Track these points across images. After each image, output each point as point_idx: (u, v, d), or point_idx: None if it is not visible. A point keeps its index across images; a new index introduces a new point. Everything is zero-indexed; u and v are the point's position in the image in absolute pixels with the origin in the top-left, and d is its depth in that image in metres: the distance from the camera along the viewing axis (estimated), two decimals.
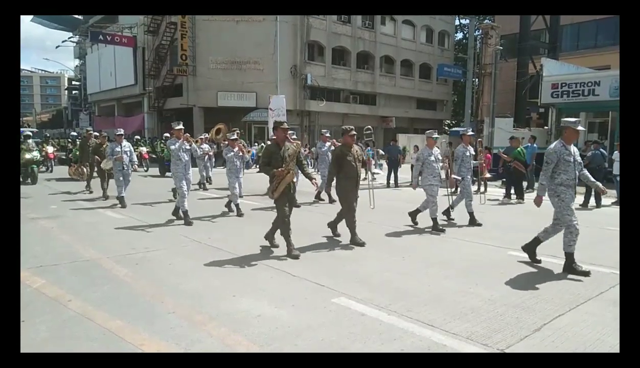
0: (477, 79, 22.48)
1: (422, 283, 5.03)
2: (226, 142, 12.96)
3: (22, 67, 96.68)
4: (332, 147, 9.74)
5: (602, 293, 4.75)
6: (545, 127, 21.42)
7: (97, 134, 15.55)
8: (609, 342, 3.57)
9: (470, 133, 9.27)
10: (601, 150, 12.08)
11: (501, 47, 21.20)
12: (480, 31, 23.52)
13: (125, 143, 10.58)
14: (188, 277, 5.19)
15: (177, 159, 8.40)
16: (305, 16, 29.27)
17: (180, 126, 8.49)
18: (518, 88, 24.33)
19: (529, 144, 14.47)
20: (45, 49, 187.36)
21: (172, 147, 8.26)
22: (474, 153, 9.27)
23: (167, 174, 16.60)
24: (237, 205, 9.37)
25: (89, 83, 43.46)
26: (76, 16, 44.56)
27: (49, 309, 4.19)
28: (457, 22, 40.81)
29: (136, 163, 11.38)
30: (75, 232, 7.59)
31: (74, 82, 55.70)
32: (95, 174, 12.52)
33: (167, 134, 18.84)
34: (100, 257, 5.96)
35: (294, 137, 13.21)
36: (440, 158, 8.42)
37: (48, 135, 25.98)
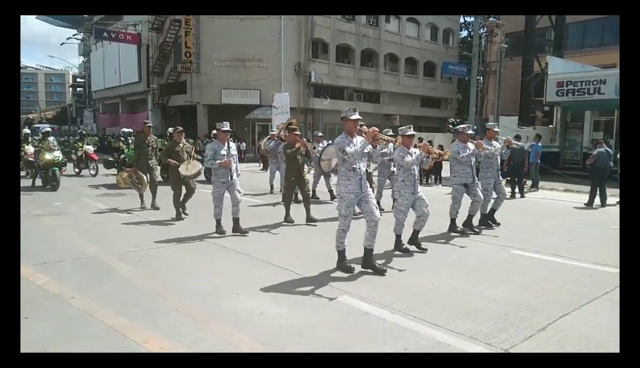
0: (481, 77, 22.44)
1: (426, 282, 5.01)
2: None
3: (27, 64, 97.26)
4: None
5: (606, 293, 4.72)
6: (550, 126, 21.34)
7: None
8: (613, 342, 3.54)
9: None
10: (606, 148, 12.01)
11: (506, 45, 21.14)
12: (485, 29, 23.44)
13: (232, 144, 7.47)
14: (192, 275, 5.19)
15: (350, 170, 5.13)
16: None
17: (357, 115, 5.32)
18: (523, 86, 24.17)
19: (534, 143, 14.45)
20: (50, 45, 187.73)
21: (348, 149, 5.03)
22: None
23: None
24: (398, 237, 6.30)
25: (93, 80, 43.56)
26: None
27: (52, 306, 4.20)
28: (461, 20, 40.70)
29: (238, 172, 7.58)
30: (80, 228, 7.60)
31: (78, 79, 55.84)
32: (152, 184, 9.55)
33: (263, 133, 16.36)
34: (104, 254, 5.97)
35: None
36: None
37: (84, 132, 22.46)
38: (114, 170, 14.77)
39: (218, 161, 7.10)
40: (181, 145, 8.87)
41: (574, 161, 19.69)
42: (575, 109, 19.75)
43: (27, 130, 16.66)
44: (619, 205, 11.00)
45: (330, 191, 11.03)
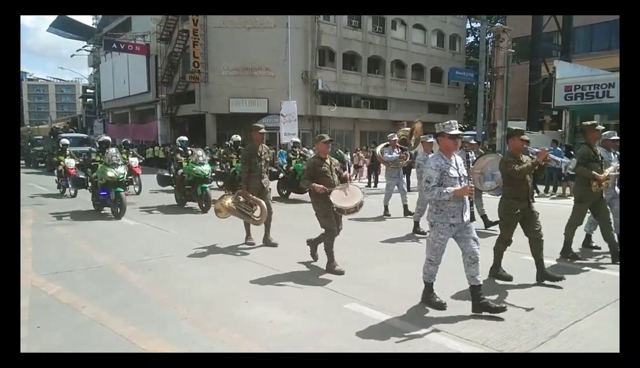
0: (489, 82, 22.40)
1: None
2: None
3: (38, 76, 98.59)
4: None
5: (618, 299, 4.66)
6: (559, 130, 21.20)
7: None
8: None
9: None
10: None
11: (513, 50, 21.09)
12: (492, 34, 23.44)
13: (460, 159, 4.61)
14: (201, 283, 5.20)
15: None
16: (316, 22, 29.39)
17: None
18: (531, 91, 24.09)
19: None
20: (61, 57, 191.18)
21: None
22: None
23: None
24: None
25: (103, 91, 44.08)
26: (90, 25, 45.38)
27: (63, 315, 4.24)
28: (468, 26, 40.64)
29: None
30: (90, 238, 7.65)
31: (88, 90, 56.59)
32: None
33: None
34: (114, 263, 6.01)
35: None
36: None
37: (129, 141, 18.50)
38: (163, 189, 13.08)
39: (450, 188, 4.17)
40: (328, 161, 5.69)
41: None
42: (584, 113, 19.57)
43: (65, 141, 14.37)
44: None
45: (484, 217, 8.21)
